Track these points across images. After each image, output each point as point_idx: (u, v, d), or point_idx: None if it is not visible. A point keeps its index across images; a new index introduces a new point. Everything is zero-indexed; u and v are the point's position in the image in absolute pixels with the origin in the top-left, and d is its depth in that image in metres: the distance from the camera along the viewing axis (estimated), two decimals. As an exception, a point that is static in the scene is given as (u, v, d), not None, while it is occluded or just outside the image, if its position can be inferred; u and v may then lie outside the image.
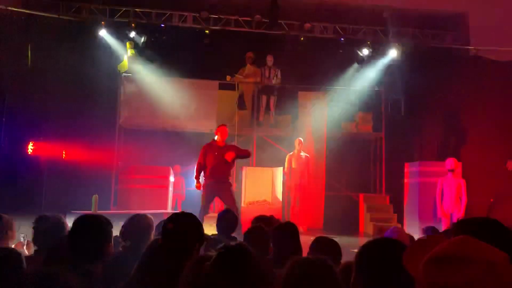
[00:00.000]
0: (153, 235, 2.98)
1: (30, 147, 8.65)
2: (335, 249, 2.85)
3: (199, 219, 2.28)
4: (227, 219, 3.81)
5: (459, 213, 7.30)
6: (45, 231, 2.56)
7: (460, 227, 1.54)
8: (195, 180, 6.76)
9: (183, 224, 2.14)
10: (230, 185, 6.91)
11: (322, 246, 2.82)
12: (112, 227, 2.35)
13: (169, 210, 8.54)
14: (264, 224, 3.52)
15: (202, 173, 6.71)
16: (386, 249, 1.40)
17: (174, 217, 2.19)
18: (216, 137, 6.81)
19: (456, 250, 0.92)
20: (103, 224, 2.30)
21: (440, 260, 0.93)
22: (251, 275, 1.48)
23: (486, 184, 9.07)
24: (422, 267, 0.94)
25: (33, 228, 2.81)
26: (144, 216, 2.94)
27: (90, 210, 6.31)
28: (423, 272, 0.94)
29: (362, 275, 1.38)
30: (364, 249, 1.44)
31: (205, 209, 6.63)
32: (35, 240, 2.62)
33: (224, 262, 1.47)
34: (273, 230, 3.12)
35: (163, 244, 2.08)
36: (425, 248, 0.97)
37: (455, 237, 0.99)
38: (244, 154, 6.97)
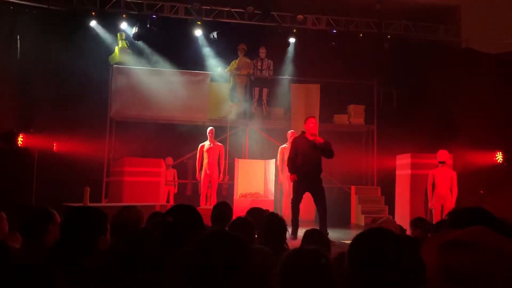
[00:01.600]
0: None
1: (20, 139, 8.55)
2: (324, 240, 2.93)
3: None
4: (221, 211, 3.80)
5: (450, 205, 7.36)
6: (30, 222, 2.49)
7: (454, 217, 1.55)
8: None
9: (183, 217, 2.13)
10: None
11: (313, 238, 2.88)
12: (106, 219, 2.33)
13: (161, 202, 8.52)
14: (257, 217, 3.55)
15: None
16: (379, 239, 1.41)
17: (173, 210, 2.19)
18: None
19: (470, 237, 0.95)
20: (96, 216, 2.27)
21: (455, 245, 0.97)
22: (231, 256, 1.51)
23: (477, 176, 9.17)
24: (437, 251, 0.97)
25: (17, 219, 2.74)
26: (132, 208, 2.91)
27: (82, 202, 6.27)
28: (437, 256, 0.97)
29: (356, 266, 1.39)
30: (357, 240, 1.44)
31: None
32: (22, 230, 2.56)
33: (204, 247, 1.51)
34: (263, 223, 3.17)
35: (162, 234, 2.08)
36: (440, 240, 1.00)
37: (467, 227, 1.02)
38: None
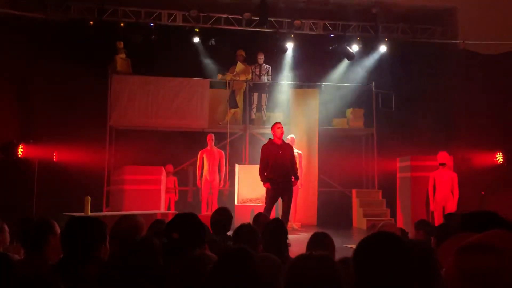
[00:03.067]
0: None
1: (20, 150, 8.56)
2: (331, 243, 2.91)
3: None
4: (220, 217, 3.80)
5: (451, 207, 7.34)
6: (30, 234, 2.49)
7: (465, 221, 1.55)
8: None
9: (186, 228, 2.13)
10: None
11: (320, 241, 2.88)
12: (106, 228, 2.33)
13: (162, 210, 8.51)
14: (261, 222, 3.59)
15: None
16: (385, 244, 1.40)
17: (177, 222, 2.18)
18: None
19: (488, 240, 0.95)
20: (96, 225, 2.27)
21: (473, 248, 0.97)
22: (252, 278, 1.50)
23: (477, 177, 9.16)
24: (454, 254, 0.97)
25: (18, 231, 2.74)
26: (131, 217, 2.90)
27: (83, 212, 6.26)
28: (454, 259, 0.97)
29: (363, 271, 1.38)
30: (363, 245, 1.43)
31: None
32: (24, 242, 2.56)
33: (226, 265, 1.49)
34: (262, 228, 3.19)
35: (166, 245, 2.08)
36: (458, 243, 1.00)
37: (488, 231, 1.02)
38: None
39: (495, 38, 9.65)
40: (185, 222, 2.19)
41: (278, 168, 6.60)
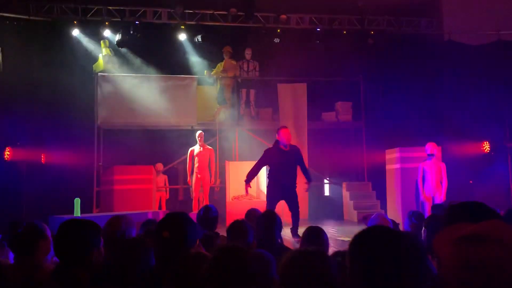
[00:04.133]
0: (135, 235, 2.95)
1: (7, 154, 8.44)
2: (325, 237, 2.96)
3: None
4: (209, 217, 3.77)
5: (440, 196, 7.43)
6: (20, 239, 2.47)
7: (453, 211, 1.56)
8: None
9: (178, 229, 2.12)
10: None
11: (314, 236, 2.90)
12: (99, 231, 2.30)
13: (153, 209, 8.47)
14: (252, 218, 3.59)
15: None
16: (381, 237, 1.41)
17: (168, 222, 2.17)
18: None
19: (486, 231, 0.96)
20: (89, 228, 2.25)
21: (471, 239, 0.97)
22: (245, 276, 1.51)
23: (465, 166, 9.28)
24: (452, 246, 0.97)
25: (8, 235, 2.72)
26: (121, 218, 2.88)
27: (73, 214, 6.21)
28: (452, 250, 0.97)
29: (358, 265, 1.39)
30: (359, 239, 1.44)
31: None
32: (14, 247, 2.54)
33: (220, 264, 1.50)
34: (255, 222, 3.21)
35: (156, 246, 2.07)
36: (454, 234, 1.01)
37: (485, 221, 1.02)
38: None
39: (479, 28, 9.75)
40: (176, 221, 2.18)
41: (281, 172, 6.48)
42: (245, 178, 6.65)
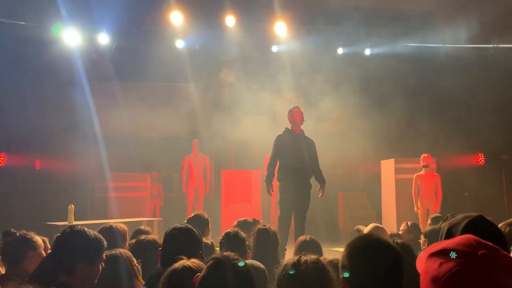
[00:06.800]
0: (126, 244, 2.93)
1: (0, 159, 8.38)
2: (318, 248, 2.93)
3: None
4: (198, 226, 3.72)
5: (435, 208, 7.44)
6: (10, 250, 2.51)
7: (452, 226, 1.57)
8: None
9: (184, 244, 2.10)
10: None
11: (306, 246, 2.88)
12: (103, 249, 2.27)
13: (148, 217, 8.42)
14: (246, 228, 3.52)
15: None
16: (375, 248, 1.41)
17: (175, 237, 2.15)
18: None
19: (453, 244, 0.96)
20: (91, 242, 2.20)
21: (438, 253, 0.98)
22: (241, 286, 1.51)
23: (460, 178, 9.30)
24: (425, 262, 0.98)
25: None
26: (110, 229, 2.86)
27: (66, 221, 6.16)
28: (424, 266, 0.98)
29: (353, 275, 1.39)
30: (352, 249, 1.44)
31: None
32: (4, 257, 2.54)
33: (212, 275, 1.50)
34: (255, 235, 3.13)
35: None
36: (428, 250, 1.01)
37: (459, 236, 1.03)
38: None
39: (475, 39, 9.82)
40: (183, 237, 2.16)
41: (294, 166, 5.34)
42: (265, 181, 5.44)
